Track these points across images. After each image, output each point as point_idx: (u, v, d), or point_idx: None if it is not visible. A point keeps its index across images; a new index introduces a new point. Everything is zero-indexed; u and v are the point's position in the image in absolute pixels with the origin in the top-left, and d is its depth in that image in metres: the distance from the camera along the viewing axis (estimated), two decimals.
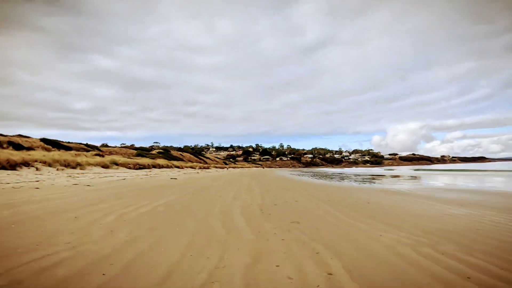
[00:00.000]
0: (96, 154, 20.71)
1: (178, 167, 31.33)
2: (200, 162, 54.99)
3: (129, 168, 19.00)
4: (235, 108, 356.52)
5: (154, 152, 44.61)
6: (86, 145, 28.60)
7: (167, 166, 27.28)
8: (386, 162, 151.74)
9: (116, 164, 17.92)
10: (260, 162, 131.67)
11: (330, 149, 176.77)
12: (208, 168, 46.52)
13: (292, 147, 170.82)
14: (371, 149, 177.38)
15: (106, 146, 40.73)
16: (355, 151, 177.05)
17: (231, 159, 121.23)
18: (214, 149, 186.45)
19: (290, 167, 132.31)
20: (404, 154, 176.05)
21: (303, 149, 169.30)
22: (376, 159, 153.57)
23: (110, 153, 33.02)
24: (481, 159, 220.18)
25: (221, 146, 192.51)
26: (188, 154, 58.06)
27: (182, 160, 47.08)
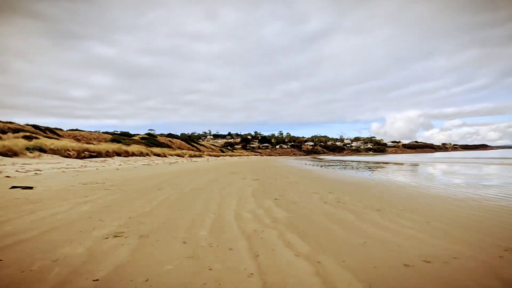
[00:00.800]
0: (27, 137, 14.33)
1: (158, 155, 25.11)
2: (193, 150, 48.78)
3: (68, 156, 12.73)
4: (235, 97, 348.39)
5: (136, 138, 38.25)
6: (34, 126, 22.28)
7: (141, 154, 21.03)
8: (389, 150, 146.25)
9: (43, 150, 11.67)
10: (259, 150, 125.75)
11: (330, 137, 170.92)
12: (200, 156, 40.40)
13: (291, 135, 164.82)
14: (373, 137, 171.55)
15: (78, 130, 34.32)
16: (357, 139, 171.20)
17: (228, 147, 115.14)
18: (211, 137, 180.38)
19: (291, 155, 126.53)
20: (406, 141, 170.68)
21: (303, 137, 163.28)
22: (379, 147, 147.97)
23: (76, 139, 26.61)
24: (483, 146, 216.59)
25: (219, 134, 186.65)
26: (179, 141, 51.71)
27: (169, 147, 40.82)
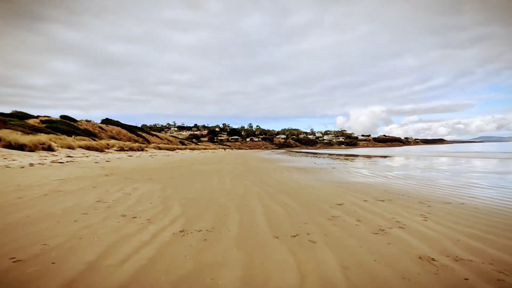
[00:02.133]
0: None
1: (45, 149, 12.91)
2: (137, 141, 35.82)
3: None
4: (209, 89, 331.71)
5: (32, 121, 24.47)
6: None
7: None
8: (361, 143, 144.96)
9: None
10: (228, 143, 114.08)
11: (302, 130, 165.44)
12: (141, 150, 27.97)
13: (261, 128, 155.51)
14: (344, 130, 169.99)
15: None
16: (327, 132, 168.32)
17: (193, 139, 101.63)
18: (176, 129, 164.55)
19: (263, 149, 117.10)
20: (375, 135, 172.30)
21: (273, 130, 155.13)
22: (351, 140, 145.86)
23: None
24: (441, 140, 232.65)
25: (184, 125, 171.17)
26: (118, 129, 38.29)
27: (94, 136, 27.72)
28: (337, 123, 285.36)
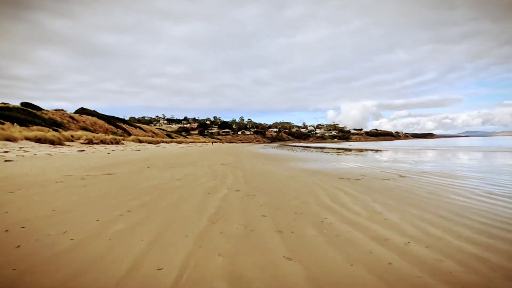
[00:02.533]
0: None
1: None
2: (115, 133, 32.10)
3: None
4: (202, 81, 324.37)
5: None
6: None
7: None
8: (353, 137, 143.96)
9: None
10: (218, 137, 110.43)
11: (294, 124, 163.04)
12: (116, 143, 24.42)
13: (253, 121, 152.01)
14: (336, 124, 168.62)
15: None
16: (319, 126, 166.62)
17: (182, 133, 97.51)
18: (165, 121, 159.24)
19: (254, 142, 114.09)
20: (367, 129, 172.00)
21: (265, 124, 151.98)
22: (343, 134, 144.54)
23: None
24: (430, 135, 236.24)
25: (174, 118, 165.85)
26: (93, 119, 34.26)
27: (60, 127, 23.96)
28: (328, 117, 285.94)
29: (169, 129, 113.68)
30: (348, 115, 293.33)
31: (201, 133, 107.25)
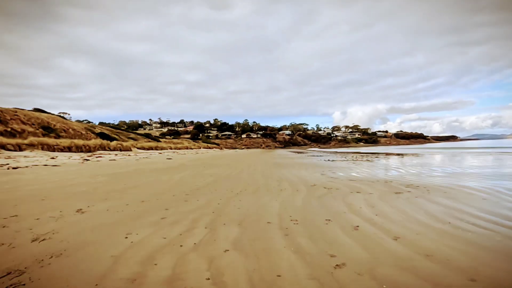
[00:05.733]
0: None
1: None
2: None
3: None
4: (217, 88, 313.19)
5: None
6: None
7: None
8: (382, 140, 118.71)
9: None
10: (217, 141, 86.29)
11: (305, 127, 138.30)
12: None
13: (259, 124, 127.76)
14: (357, 125, 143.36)
15: None
16: (336, 128, 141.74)
17: (166, 136, 73.60)
18: (159, 125, 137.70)
19: (264, 147, 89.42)
20: (394, 130, 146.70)
21: (274, 126, 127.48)
22: (370, 137, 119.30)
23: None
24: (453, 137, 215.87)
25: (170, 122, 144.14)
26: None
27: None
28: (335, 120, 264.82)
29: (158, 133, 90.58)
30: (354, 118, 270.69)
31: (195, 137, 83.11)
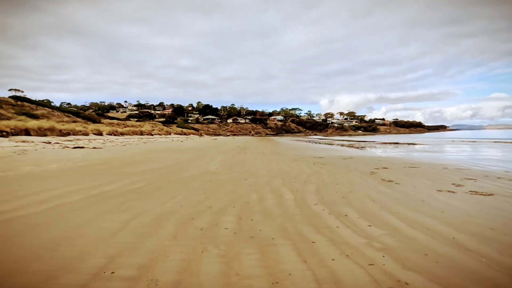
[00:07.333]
0: None
1: None
2: None
3: None
4: (210, 74, 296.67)
5: None
6: None
7: None
8: (381, 128, 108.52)
9: None
10: (197, 126, 71.94)
11: (298, 113, 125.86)
12: None
13: (248, 109, 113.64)
14: (352, 111, 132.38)
15: None
16: (329, 114, 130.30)
17: (131, 118, 58.62)
18: (135, 107, 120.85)
19: (253, 134, 76.08)
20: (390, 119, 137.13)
21: (263, 111, 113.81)
22: (369, 125, 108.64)
23: None
24: (443, 127, 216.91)
25: (147, 104, 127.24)
26: None
27: None
28: (322, 108, 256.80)
29: (121, 117, 75.06)
30: (340, 106, 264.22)
31: (169, 120, 68.25)
